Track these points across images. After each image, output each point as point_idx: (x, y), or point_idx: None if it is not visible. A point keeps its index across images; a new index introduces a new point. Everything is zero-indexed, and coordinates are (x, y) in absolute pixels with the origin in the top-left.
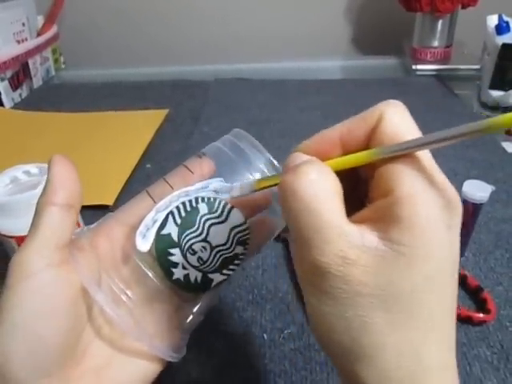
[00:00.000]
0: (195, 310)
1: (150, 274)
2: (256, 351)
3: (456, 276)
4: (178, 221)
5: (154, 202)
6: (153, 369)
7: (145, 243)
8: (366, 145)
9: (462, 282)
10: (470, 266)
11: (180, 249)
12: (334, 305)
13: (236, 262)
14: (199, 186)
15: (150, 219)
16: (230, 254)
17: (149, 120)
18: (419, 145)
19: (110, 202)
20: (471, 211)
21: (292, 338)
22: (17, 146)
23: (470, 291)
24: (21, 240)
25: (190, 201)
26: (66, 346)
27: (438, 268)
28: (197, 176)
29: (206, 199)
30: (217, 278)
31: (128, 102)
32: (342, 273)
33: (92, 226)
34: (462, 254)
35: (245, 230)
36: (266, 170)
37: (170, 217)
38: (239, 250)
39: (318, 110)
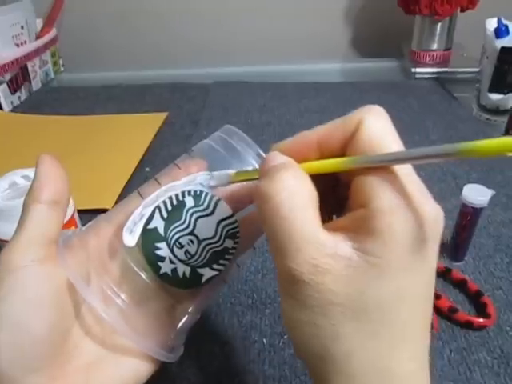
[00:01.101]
0: (190, 309)
1: (138, 271)
2: (255, 356)
3: (432, 288)
4: (165, 215)
5: (143, 198)
6: (145, 369)
7: (131, 238)
8: (344, 150)
9: (462, 286)
10: (469, 270)
11: (166, 242)
12: (306, 313)
13: (227, 256)
14: (186, 180)
15: (137, 215)
16: (220, 248)
17: (148, 123)
18: (395, 160)
19: (109, 205)
20: (471, 215)
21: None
22: (15, 150)
23: (470, 295)
24: None
25: (177, 195)
26: (53, 340)
27: (410, 281)
28: (182, 172)
29: (192, 192)
30: (207, 273)
31: (127, 105)
32: (314, 281)
33: (85, 226)
34: (461, 259)
35: (233, 222)
36: (256, 165)
37: (157, 211)
38: (229, 243)
39: (317, 113)
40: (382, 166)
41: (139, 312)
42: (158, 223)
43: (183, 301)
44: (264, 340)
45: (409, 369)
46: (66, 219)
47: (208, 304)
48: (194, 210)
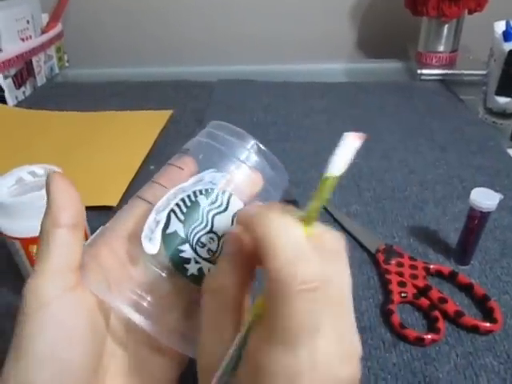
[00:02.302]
0: None
1: (163, 274)
2: None
3: None
4: (181, 217)
5: (150, 203)
6: (176, 369)
7: (153, 245)
8: None
9: (469, 290)
10: (476, 274)
11: (189, 244)
12: None
13: None
14: (194, 180)
15: (152, 221)
16: None
17: (153, 121)
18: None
19: (113, 203)
20: (479, 219)
21: None
22: (20, 145)
23: (477, 300)
24: (25, 242)
25: (189, 196)
26: (89, 365)
27: None
28: (185, 172)
29: (203, 191)
30: None
31: (132, 102)
32: None
33: (88, 241)
34: (468, 262)
35: None
36: (252, 153)
37: (172, 215)
38: None
39: (322, 113)
40: None
41: (168, 312)
42: (177, 226)
43: None
44: None
45: None
46: None
47: None
48: (209, 208)
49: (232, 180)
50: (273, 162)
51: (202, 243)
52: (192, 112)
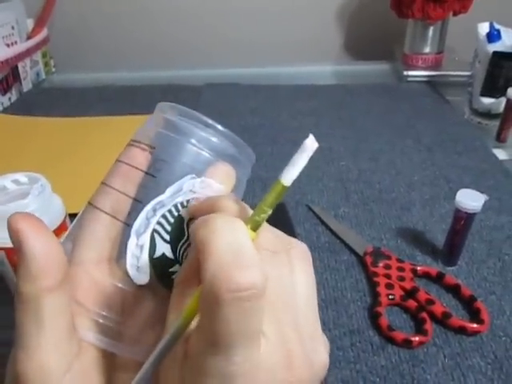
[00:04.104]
0: None
1: (150, 296)
2: None
3: None
4: (167, 237)
5: (113, 216)
6: None
7: (143, 275)
8: None
9: (456, 291)
10: (463, 275)
11: (179, 264)
12: None
13: None
14: (172, 191)
15: (134, 246)
16: None
17: (140, 125)
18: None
19: None
20: (464, 220)
21: None
22: (5, 151)
23: (464, 301)
24: (9, 251)
25: (170, 211)
26: None
27: None
28: (139, 171)
29: (185, 203)
30: None
31: (119, 107)
32: None
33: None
34: (455, 263)
35: None
36: (215, 137)
37: (156, 235)
38: None
39: (310, 116)
40: None
41: (132, 325)
42: (164, 248)
43: None
44: None
45: None
46: (57, 225)
47: None
48: (194, 220)
49: (210, 183)
50: (235, 142)
51: None
52: None
